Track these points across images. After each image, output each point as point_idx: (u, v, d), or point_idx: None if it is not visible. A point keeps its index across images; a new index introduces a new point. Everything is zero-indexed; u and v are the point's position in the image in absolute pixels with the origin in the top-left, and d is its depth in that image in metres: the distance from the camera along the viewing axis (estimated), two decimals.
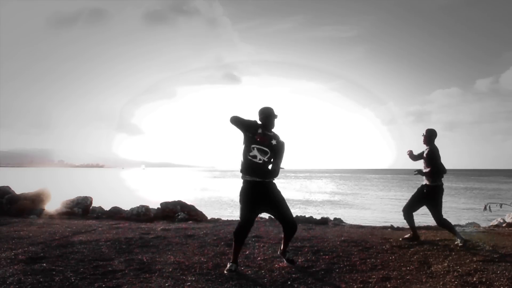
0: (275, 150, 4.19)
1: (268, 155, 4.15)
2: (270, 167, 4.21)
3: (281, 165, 4.27)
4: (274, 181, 4.28)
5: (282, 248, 4.43)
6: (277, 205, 4.20)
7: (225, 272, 3.97)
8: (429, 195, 5.60)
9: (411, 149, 5.97)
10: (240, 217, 4.11)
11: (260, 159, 4.12)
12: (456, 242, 5.38)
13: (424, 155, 5.70)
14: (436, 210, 5.54)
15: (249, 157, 4.13)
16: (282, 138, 4.29)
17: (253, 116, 4.23)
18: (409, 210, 5.82)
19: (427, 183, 5.65)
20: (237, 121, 4.13)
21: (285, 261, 4.35)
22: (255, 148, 4.12)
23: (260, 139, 4.06)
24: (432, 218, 5.65)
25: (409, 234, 5.85)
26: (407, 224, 5.97)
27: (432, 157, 5.57)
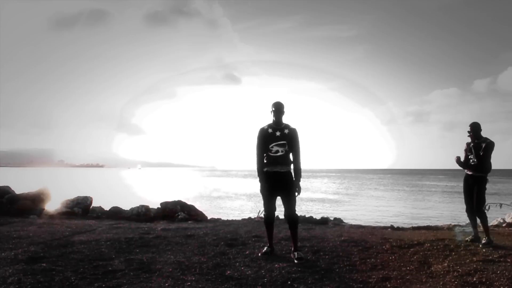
0: (290, 137, 4.56)
1: (286, 146, 4.53)
2: (291, 157, 4.59)
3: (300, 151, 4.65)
4: (291, 171, 4.61)
5: (292, 249, 4.63)
6: (285, 194, 4.54)
7: (260, 255, 4.59)
8: (478, 184, 5.63)
9: (458, 156, 5.93)
10: (264, 208, 4.66)
11: (282, 151, 4.51)
12: (483, 241, 5.41)
13: (482, 147, 5.65)
14: (480, 198, 5.59)
15: (271, 154, 4.52)
16: (292, 126, 4.65)
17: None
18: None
19: (474, 173, 5.68)
20: (257, 155, 4.59)
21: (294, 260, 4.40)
22: (274, 146, 4.52)
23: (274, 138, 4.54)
24: (432, 218, 5.66)
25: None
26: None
27: (487, 150, 5.61)
